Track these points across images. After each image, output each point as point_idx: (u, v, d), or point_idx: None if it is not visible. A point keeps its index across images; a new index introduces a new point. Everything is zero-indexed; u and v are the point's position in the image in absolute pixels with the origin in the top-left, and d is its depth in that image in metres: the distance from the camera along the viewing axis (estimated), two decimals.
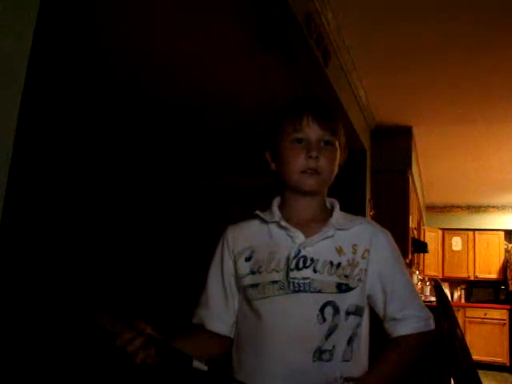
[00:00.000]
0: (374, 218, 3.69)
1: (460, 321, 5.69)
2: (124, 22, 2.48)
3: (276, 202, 1.12)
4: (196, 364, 0.90)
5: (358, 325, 1.01)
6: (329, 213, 1.09)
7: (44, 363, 3.20)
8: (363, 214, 3.55)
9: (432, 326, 1.05)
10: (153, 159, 4.37)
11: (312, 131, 1.04)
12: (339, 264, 1.01)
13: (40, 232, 4.07)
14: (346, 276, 1.00)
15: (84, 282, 3.88)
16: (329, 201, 1.13)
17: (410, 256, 4.20)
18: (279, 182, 1.11)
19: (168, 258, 4.11)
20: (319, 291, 0.98)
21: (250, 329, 1.03)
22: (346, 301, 0.99)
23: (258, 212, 1.10)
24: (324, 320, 0.97)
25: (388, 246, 1.08)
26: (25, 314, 3.58)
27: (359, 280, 1.01)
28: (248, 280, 1.04)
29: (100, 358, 2.74)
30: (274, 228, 1.07)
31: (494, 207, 7.18)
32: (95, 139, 4.14)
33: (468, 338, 5.52)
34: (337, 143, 1.07)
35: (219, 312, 1.09)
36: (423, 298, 5.37)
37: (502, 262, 6.83)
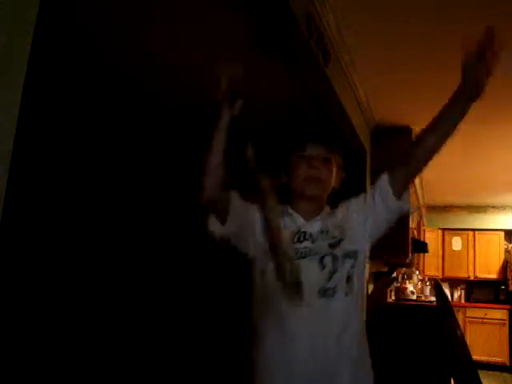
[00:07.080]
0: None
1: (460, 321, 5.69)
2: (124, 22, 2.48)
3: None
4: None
5: (353, 265, 1.31)
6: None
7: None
8: None
9: None
10: (157, 160, 4.37)
11: (314, 150, 1.38)
12: (327, 231, 1.34)
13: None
14: (333, 237, 1.33)
15: None
16: (327, 207, 1.45)
17: (410, 256, 4.19)
18: (288, 191, 1.41)
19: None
20: (316, 253, 1.31)
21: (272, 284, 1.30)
22: (341, 249, 1.31)
23: None
24: (324, 267, 1.29)
25: (356, 196, 1.41)
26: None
27: (343, 230, 1.34)
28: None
29: None
30: (284, 218, 1.38)
31: (493, 207, 7.18)
32: (97, 139, 4.14)
33: (468, 338, 5.51)
34: (333, 160, 1.40)
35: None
36: (423, 298, 5.35)
37: (501, 262, 6.83)
